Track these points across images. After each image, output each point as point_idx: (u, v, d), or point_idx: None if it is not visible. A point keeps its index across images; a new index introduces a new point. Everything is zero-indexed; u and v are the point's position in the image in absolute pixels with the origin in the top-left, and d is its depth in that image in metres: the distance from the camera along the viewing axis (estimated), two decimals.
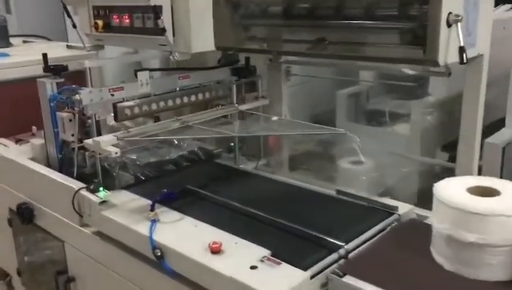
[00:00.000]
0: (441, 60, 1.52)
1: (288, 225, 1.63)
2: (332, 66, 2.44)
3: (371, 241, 1.58)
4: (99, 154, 1.89)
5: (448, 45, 1.53)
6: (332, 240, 1.53)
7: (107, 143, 1.76)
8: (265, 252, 1.49)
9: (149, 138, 1.86)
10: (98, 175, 1.98)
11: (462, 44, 1.51)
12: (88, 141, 1.83)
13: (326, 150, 2.76)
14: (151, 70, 2.09)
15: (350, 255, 1.49)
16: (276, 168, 2.37)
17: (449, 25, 1.51)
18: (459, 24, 1.50)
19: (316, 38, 1.94)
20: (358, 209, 1.78)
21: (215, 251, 1.49)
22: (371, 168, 2.60)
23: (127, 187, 2.02)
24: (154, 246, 1.58)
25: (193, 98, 2.25)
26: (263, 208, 1.75)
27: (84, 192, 1.90)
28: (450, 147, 3.20)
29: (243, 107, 2.20)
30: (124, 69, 3.19)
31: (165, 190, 1.83)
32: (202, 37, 2.05)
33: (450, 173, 1.95)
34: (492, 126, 2.23)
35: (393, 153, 2.57)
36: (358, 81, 3.27)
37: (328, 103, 3.38)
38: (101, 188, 1.89)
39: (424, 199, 2.28)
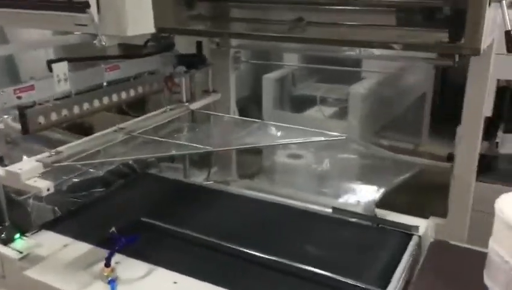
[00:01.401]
0: (483, 47, 1.23)
1: (300, 268, 1.24)
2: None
3: (405, 278, 1.26)
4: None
5: (487, 29, 1.24)
6: (366, 287, 1.17)
7: (30, 174, 1.18)
8: None
9: (91, 161, 1.31)
10: (4, 215, 1.37)
11: (509, 27, 1.23)
12: None
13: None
14: (70, 60, 1.52)
15: None
16: (227, 176, 1.95)
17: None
18: (503, 2, 1.22)
19: (295, 19, 1.56)
20: (368, 232, 1.44)
21: None
22: (311, 161, 2.31)
23: (50, 225, 1.45)
24: None
25: (124, 95, 1.72)
26: (251, 241, 1.33)
27: None
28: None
29: (195, 106, 1.72)
30: None
31: (114, 230, 1.31)
32: (140, 16, 1.53)
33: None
34: None
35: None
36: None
37: (249, 87, 3.04)
38: (17, 235, 1.31)
39: None
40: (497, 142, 2.09)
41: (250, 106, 2.88)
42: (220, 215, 1.53)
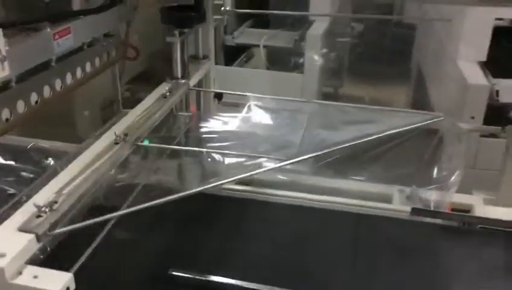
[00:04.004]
0: None
1: None
2: None
3: None
4: None
5: None
6: None
7: (19, 262, 0.61)
8: None
9: (116, 214, 0.75)
10: None
11: None
12: None
13: None
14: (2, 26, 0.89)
15: None
16: None
17: None
18: None
19: None
20: (473, 239, 1.10)
21: None
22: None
23: None
24: None
25: (79, 73, 1.14)
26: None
27: None
28: None
29: (193, 82, 1.18)
30: None
31: None
32: None
33: None
34: None
35: None
36: None
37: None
38: None
39: None
40: None
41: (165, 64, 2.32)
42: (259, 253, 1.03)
